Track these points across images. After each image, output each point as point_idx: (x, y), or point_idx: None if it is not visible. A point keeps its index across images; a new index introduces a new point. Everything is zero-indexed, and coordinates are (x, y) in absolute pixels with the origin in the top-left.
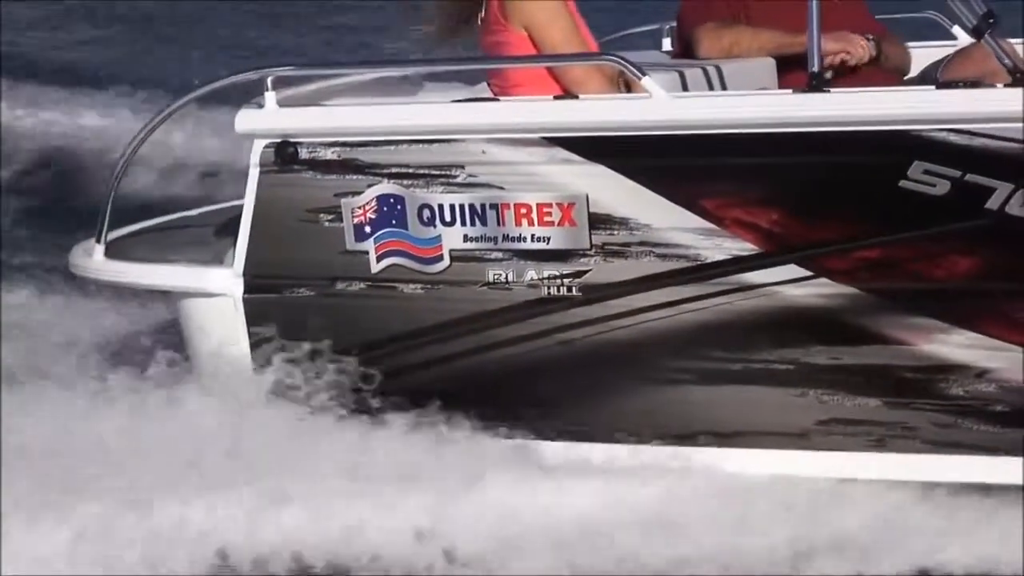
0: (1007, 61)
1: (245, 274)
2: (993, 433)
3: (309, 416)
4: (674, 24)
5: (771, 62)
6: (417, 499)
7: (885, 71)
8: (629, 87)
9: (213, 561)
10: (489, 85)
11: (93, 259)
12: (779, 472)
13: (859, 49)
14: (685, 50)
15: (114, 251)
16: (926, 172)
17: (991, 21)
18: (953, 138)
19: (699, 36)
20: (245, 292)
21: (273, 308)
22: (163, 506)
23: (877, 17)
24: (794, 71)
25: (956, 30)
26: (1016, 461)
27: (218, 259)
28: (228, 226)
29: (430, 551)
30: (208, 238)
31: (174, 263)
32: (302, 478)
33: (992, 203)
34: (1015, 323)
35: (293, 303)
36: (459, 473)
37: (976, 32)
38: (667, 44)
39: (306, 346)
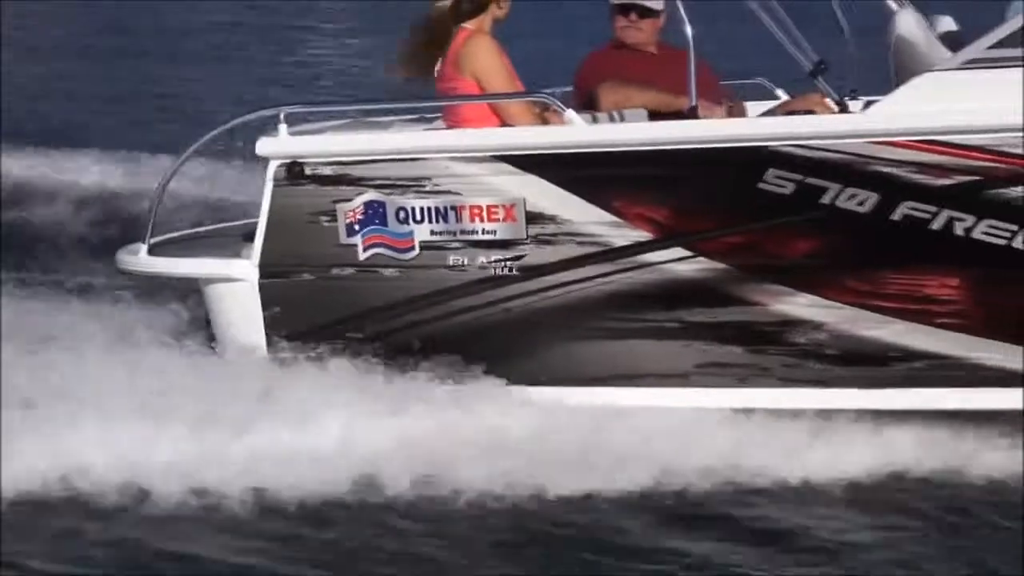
0: (835, 96)
1: (260, 264)
2: (827, 370)
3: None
4: (568, 89)
5: (644, 112)
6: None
7: None
8: (547, 121)
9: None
10: (444, 120)
11: (139, 256)
12: (667, 405)
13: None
14: (583, 104)
15: (154, 251)
16: (777, 177)
17: (823, 67)
18: (797, 151)
19: (600, 92)
20: (260, 278)
21: (282, 290)
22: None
23: (721, 83)
24: None
25: (779, 92)
26: (846, 391)
27: (237, 255)
28: (243, 234)
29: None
30: (228, 242)
31: (204, 257)
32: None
33: (826, 199)
34: (844, 288)
35: (298, 285)
36: (424, 407)
37: (813, 73)
38: None
39: (308, 318)
